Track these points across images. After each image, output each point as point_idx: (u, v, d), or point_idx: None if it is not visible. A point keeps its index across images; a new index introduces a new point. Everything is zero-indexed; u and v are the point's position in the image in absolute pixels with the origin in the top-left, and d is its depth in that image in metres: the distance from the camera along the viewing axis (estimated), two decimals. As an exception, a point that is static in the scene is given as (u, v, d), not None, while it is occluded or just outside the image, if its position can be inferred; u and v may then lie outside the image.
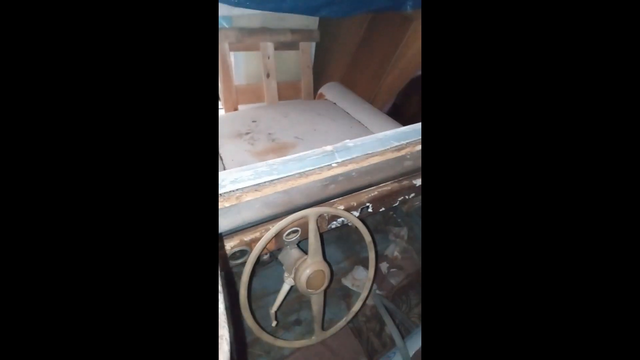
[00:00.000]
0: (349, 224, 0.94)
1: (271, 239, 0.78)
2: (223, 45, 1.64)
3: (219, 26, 1.63)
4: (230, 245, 0.77)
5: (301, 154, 0.79)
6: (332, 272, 0.92)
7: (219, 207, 0.69)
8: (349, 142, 0.84)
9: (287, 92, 1.92)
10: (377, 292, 1.32)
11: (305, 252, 0.93)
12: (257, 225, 0.79)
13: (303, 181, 0.77)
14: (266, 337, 0.85)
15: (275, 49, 1.78)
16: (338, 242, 1.52)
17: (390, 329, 1.06)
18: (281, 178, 0.75)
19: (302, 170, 0.77)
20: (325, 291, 0.92)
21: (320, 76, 2.04)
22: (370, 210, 1.01)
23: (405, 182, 0.99)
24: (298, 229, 0.87)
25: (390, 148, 0.89)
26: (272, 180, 0.74)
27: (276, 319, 0.94)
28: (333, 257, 1.45)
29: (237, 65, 1.78)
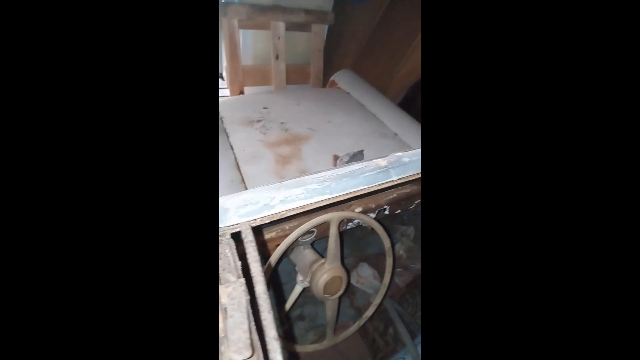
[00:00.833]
0: (364, 225, 0.91)
1: (291, 244, 0.74)
2: (232, 22, 1.53)
3: (229, 0, 1.51)
4: None
5: (353, 167, 0.70)
6: (349, 277, 0.90)
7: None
8: (405, 157, 0.74)
9: (295, 76, 1.83)
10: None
11: (319, 252, 0.90)
12: (271, 224, 0.74)
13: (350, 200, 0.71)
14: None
15: (287, 29, 1.67)
16: (343, 238, 1.50)
17: (401, 331, 1.05)
18: (332, 197, 0.66)
19: (355, 190, 0.68)
20: (340, 297, 0.90)
21: (330, 61, 1.95)
22: (387, 212, 0.98)
23: (423, 185, 0.95)
24: (314, 229, 0.83)
25: None
26: (322, 200, 0.65)
27: (288, 319, 0.92)
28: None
29: (244, 44, 1.68)
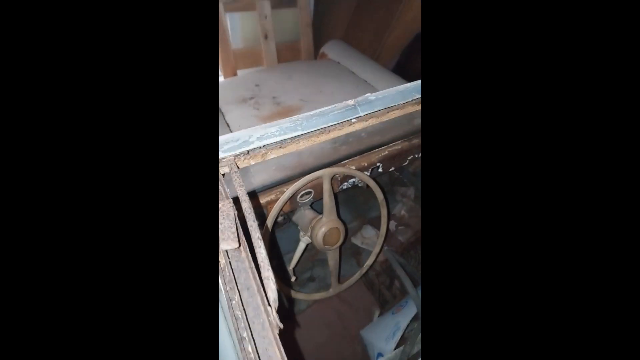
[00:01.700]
0: (360, 185, 0.96)
1: (288, 200, 0.80)
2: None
3: (212, -16, 1.54)
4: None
5: (323, 109, 0.78)
6: (346, 229, 0.96)
7: (249, 164, 0.71)
8: (371, 96, 0.81)
9: (286, 54, 1.86)
10: (386, 247, 1.37)
11: (319, 212, 0.96)
12: (271, 188, 0.81)
13: (324, 137, 0.78)
14: (286, 291, 0.90)
15: (272, 7, 1.69)
16: (347, 203, 1.55)
17: (403, 279, 1.11)
18: (305, 134, 0.74)
19: (326, 126, 0.76)
20: (340, 247, 0.96)
21: (319, 35, 1.96)
22: (380, 170, 1.02)
23: (415, 141, 0.99)
24: (311, 190, 0.88)
25: (413, 101, 0.86)
26: (296, 137, 0.74)
27: (294, 274, 0.99)
28: (342, 218, 1.49)
29: (232, 27, 1.71)
